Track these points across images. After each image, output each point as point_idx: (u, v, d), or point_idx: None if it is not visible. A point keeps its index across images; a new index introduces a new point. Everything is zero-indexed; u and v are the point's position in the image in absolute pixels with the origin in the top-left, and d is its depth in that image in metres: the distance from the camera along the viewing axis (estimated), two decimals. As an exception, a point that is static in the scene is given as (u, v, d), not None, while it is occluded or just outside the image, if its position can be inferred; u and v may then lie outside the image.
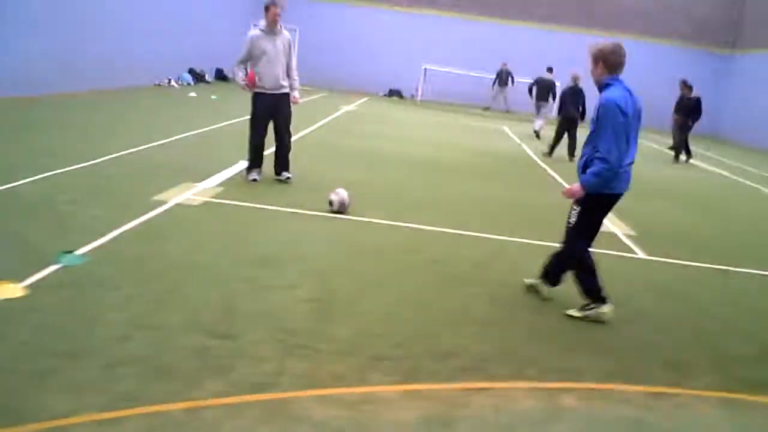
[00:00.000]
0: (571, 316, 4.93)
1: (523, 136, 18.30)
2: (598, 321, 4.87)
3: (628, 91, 4.67)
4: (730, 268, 6.87)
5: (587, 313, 4.93)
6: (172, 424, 3.00)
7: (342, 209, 7.11)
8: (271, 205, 7.11)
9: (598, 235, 5.04)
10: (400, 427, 3.20)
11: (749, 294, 6.15)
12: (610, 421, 3.54)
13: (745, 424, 3.75)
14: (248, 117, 8.25)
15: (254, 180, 8.15)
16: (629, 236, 7.65)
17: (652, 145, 19.97)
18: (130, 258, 5.03)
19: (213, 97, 18.65)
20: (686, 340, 4.80)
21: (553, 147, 14.38)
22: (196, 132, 11.68)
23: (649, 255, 6.98)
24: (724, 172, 15.73)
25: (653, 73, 24.60)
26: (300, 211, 7.01)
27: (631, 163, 4.77)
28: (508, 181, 10.93)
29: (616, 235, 7.64)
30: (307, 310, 4.45)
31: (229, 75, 23.21)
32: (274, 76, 7.95)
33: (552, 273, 5.17)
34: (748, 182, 14.46)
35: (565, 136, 14.32)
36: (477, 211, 8.12)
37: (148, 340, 3.76)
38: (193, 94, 18.56)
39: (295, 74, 8.22)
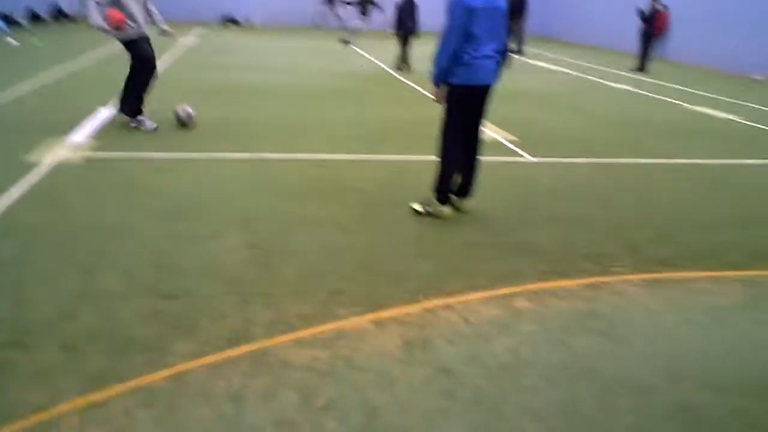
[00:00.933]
0: (415, 210, 5.30)
1: (373, 51, 18.30)
2: (436, 217, 5.21)
3: None
4: (614, 160, 7.40)
5: (429, 209, 5.25)
6: (162, 394, 2.88)
7: (189, 121, 7.73)
8: (158, 152, 6.74)
9: (484, 144, 5.28)
10: (385, 356, 3.26)
11: (638, 182, 6.68)
12: (565, 315, 3.79)
13: (668, 298, 4.14)
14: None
15: (156, 128, 7.62)
16: (512, 142, 8.01)
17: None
18: (31, 228, 4.63)
19: (36, 41, 16.93)
20: (599, 233, 5.17)
21: (402, 60, 14.72)
22: (35, 84, 10.66)
23: (536, 157, 7.36)
24: (568, 71, 16.65)
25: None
26: (192, 156, 6.70)
27: (490, 57, 4.95)
28: (379, 99, 10.97)
29: (500, 142, 7.96)
30: (247, 257, 4.34)
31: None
32: (142, 15, 7.39)
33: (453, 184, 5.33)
34: (591, 78, 15.43)
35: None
36: (365, 134, 8.13)
37: (95, 313, 3.53)
38: (12, 42, 16.72)
39: (154, 7, 7.69)
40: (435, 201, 5.25)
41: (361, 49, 19.31)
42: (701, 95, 13.34)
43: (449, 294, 3.96)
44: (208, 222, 4.95)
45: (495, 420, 2.81)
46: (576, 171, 6.95)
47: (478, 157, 5.33)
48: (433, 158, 5.40)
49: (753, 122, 10.60)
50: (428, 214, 5.26)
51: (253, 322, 3.51)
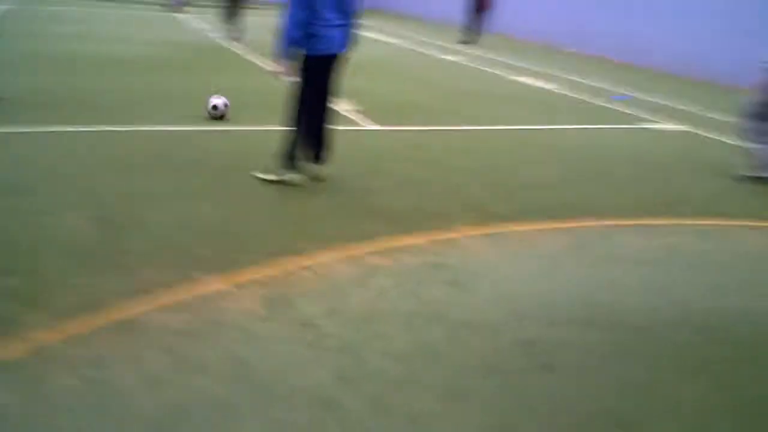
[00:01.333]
0: (262, 179, 5.32)
1: (204, 22, 17.82)
2: (287, 184, 5.27)
3: None
4: (453, 127, 7.82)
5: (278, 176, 5.30)
6: (23, 368, 2.78)
7: (225, 113, 7.15)
8: (-16, 126, 6.27)
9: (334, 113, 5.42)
10: (248, 315, 3.34)
11: (473, 147, 7.11)
12: (416, 269, 4.04)
13: (507, 249, 4.53)
14: None
15: None
16: (358, 111, 8.21)
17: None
18: None
19: None
20: (444, 195, 5.49)
21: (234, 28, 14.47)
22: None
23: (382, 125, 7.63)
24: (401, 42, 17.12)
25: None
26: (28, 130, 6.28)
27: (337, 26, 5.09)
28: (214, 69, 10.76)
29: (346, 112, 8.13)
30: (94, 231, 4.20)
31: None
32: None
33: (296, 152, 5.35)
34: (423, 50, 16.00)
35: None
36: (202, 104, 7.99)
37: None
38: None
39: None
40: (282, 168, 5.31)
41: (195, 18, 18.73)
42: (525, 67, 14.25)
43: (306, 255, 4.08)
44: (47, 196, 4.72)
45: (358, 364, 2.99)
46: (418, 138, 7.29)
47: (329, 125, 5.45)
48: (279, 127, 5.45)
49: (566, 90, 11.53)
50: (279, 182, 5.32)
51: (110, 290, 3.45)
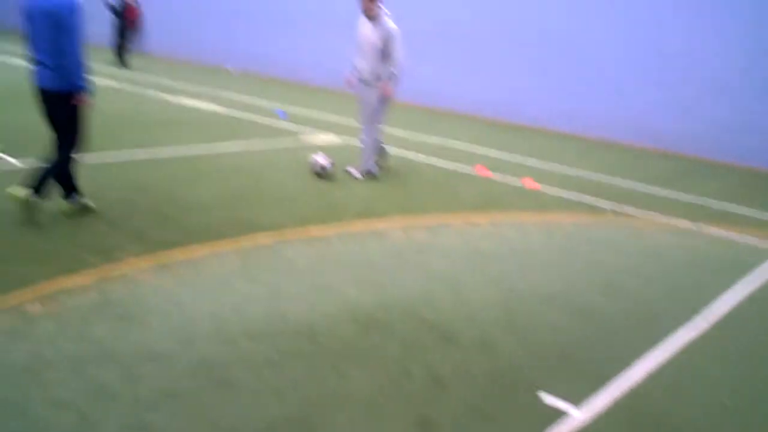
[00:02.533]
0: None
1: None
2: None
3: None
4: (105, 153, 7.51)
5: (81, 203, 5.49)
6: None
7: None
8: None
9: None
10: None
11: (135, 174, 6.93)
12: (81, 310, 3.89)
13: (177, 275, 4.56)
14: None
15: None
16: (-4, 147, 7.50)
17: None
18: None
19: None
20: (103, 226, 5.32)
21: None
22: None
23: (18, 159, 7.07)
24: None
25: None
26: None
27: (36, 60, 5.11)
28: None
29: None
30: None
31: None
32: None
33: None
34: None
35: None
36: None
37: None
38: None
39: None
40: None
41: None
42: (182, 88, 14.20)
43: None
44: None
45: (24, 419, 2.81)
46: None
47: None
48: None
49: (230, 109, 11.81)
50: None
51: None
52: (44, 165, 5.23)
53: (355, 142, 9.64)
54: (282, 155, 8.58)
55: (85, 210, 5.54)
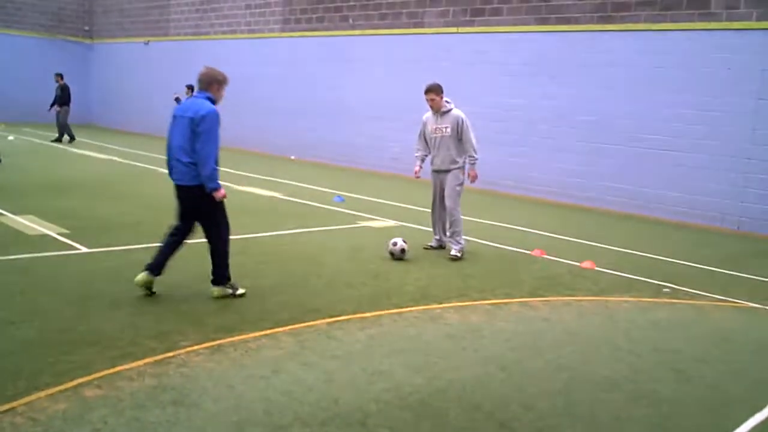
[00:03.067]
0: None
1: None
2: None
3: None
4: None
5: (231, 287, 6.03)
6: None
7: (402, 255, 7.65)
8: None
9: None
10: None
11: (198, 260, 7.10)
12: (136, 395, 3.92)
13: (232, 359, 4.58)
14: None
15: None
16: (63, 234, 7.81)
17: (33, 140, 19.63)
18: None
19: None
20: (163, 312, 5.44)
21: None
22: None
23: (92, 248, 7.32)
24: (118, 158, 16.67)
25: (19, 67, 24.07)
26: None
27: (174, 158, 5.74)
28: None
29: (50, 236, 7.69)
30: None
31: None
32: None
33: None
34: (143, 164, 15.71)
35: None
36: None
37: None
38: None
39: None
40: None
41: None
42: (247, 176, 14.64)
43: (11, 398, 3.76)
44: None
45: None
46: (133, 257, 7.09)
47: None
48: None
49: (290, 197, 12.08)
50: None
51: None
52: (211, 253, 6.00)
53: (409, 224, 9.69)
54: (339, 240, 8.67)
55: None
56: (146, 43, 25.07)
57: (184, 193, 5.77)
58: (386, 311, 5.82)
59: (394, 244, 7.70)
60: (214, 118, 5.58)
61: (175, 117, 5.75)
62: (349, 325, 5.41)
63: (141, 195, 11.27)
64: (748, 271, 8.12)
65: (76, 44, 28.16)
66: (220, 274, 5.93)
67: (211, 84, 5.77)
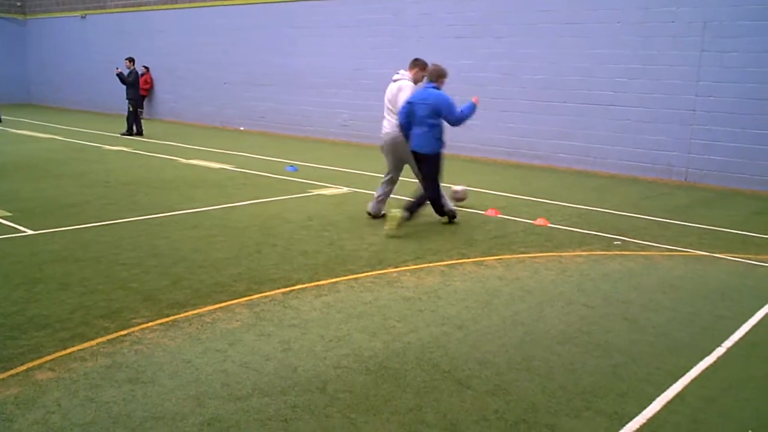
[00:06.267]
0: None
1: None
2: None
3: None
4: (118, 221, 7.56)
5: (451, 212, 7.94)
6: None
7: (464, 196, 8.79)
8: None
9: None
10: None
11: (143, 237, 6.96)
12: (90, 375, 3.85)
13: (187, 334, 4.53)
14: None
15: None
16: (7, 218, 7.58)
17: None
18: None
19: None
20: (114, 291, 5.32)
21: None
22: None
23: (37, 230, 7.12)
24: (58, 137, 16.17)
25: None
26: None
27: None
28: None
29: (-5, 219, 7.47)
30: None
31: None
32: None
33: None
34: (85, 142, 15.28)
35: None
36: None
37: None
38: None
39: None
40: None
41: None
42: (195, 149, 14.38)
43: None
44: None
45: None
46: (79, 237, 6.93)
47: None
48: None
49: (240, 168, 11.91)
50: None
51: None
52: (416, 198, 7.57)
53: (362, 190, 9.67)
54: (292, 210, 8.60)
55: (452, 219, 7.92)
56: (83, 17, 24.25)
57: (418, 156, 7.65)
58: (342, 278, 5.81)
59: (459, 191, 8.74)
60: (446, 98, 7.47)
61: (411, 103, 7.45)
62: (305, 294, 5.38)
63: (85, 173, 10.97)
64: (695, 221, 8.34)
65: (7, 20, 27.08)
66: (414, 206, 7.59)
67: (440, 77, 7.57)
